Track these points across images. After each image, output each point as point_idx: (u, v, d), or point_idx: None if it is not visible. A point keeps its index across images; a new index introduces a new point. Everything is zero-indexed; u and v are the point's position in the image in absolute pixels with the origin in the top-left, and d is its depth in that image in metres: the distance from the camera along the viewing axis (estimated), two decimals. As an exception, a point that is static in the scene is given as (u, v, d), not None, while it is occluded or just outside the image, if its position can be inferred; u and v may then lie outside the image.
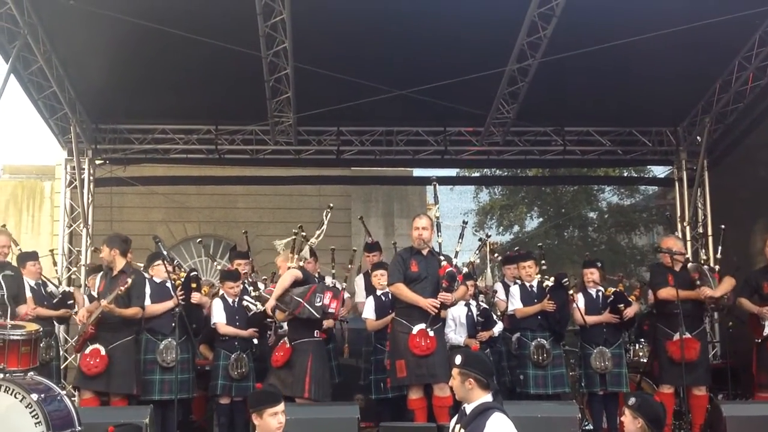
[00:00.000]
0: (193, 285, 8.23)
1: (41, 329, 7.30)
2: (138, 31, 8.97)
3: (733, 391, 9.37)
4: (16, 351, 6.72)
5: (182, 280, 8.30)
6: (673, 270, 8.49)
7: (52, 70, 10.10)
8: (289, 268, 7.91)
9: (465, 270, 8.53)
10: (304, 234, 8.41)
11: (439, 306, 7.37)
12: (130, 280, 7.68)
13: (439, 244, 7.81)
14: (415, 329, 7.35)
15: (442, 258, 7.58)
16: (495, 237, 22.22)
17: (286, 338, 7.84)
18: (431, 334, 7.32)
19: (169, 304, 7.98)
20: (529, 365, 8.40)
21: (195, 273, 8.44)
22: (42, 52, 9.67)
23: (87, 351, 7.70)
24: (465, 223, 9.24)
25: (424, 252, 7.64)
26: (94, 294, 8.23)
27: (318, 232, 8.43)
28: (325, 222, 8.49)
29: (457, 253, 8.49)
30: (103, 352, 7.65)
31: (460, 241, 8.72)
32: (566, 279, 8.55)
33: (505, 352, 8.84)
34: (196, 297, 8.27)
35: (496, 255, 9.62)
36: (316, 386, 7.71)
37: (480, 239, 10.41)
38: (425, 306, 7.34)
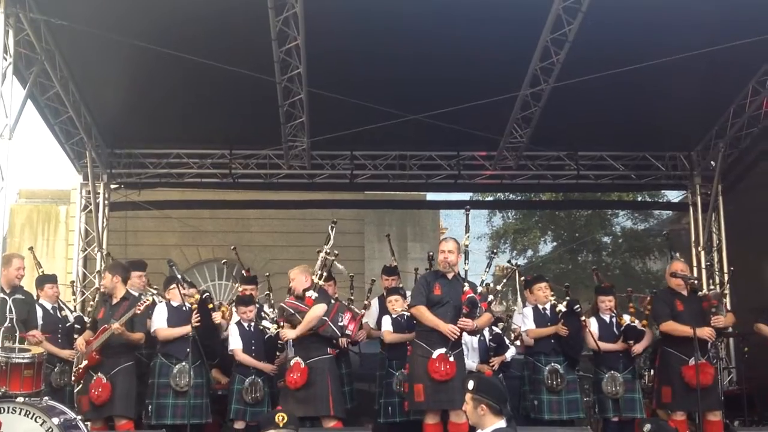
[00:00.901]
0: (210, 306, 8.19)
1: (45, 352, 7.35)
2: (153, 57, 9.05)
3: (750, 417, 9.27)
4: (19, 374, 6.77)
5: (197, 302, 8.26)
6: (681, 295, 8.35)
7: (69, 95, 10.20)
8: (315, 283, 7.94)
9: (491, 298, 8.47)
10: (331, 256, 8.49)
11: (459, 332, 7.32)
12: (151, 299, 7.88)
13: (466, 272, 7.76)
14: (435, 354, 7.26)
15: (466, 284, 7.48)
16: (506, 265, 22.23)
17: (298, 358, 7.70)
18: (451, 359, 7.23)
19: (184, 330, 7.95)
20: (543, 390, 8.34)
21: (207, 294, 8.41)
22: (59, 78, 9.77)
23: (92, 382, 7.70)
24: (495, 253, 9.19)
25: (449, 276, 7.56)
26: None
27: (326, 248, 8.55)
28: (332, 236, 8.60)
29: (483, 281, 8.43)
30: (104, 380, 7.67)
31: (487, 270, 8.66)
32: (578, 306, 8.50)
33: (527, 376, 8.77)
34: (218, 317, 8.26)
35: (522, 279, 9.56)
36: (337, 403, 7.78)
37: (508, 262, 10.40)
38: (445, 331, 7.25)
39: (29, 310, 8.18)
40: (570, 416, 8.31)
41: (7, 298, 7.87)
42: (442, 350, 7.25)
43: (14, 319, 7.72)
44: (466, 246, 7.79)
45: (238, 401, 8.07)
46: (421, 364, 7.34)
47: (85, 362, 7.78)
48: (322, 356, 7.77)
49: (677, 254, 10.37)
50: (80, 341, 7.99)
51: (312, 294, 7.85)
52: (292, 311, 7.85)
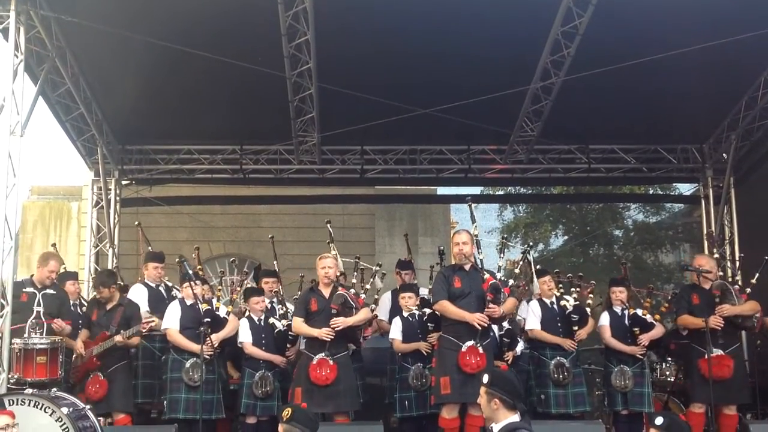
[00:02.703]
0: (207, 332, 7.89)
1: (61, 340, 7.50)
2: (163, 53, 9.07)
3: (762, 410, 9.24)
4: (32, 360, 6.86)
5: (208, 307, 8.14)
6: (700, 289, 8.48)
7: (80, 92, 10.22)
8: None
9: (511, 282, 8.46)
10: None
11: (487, 320, 7.30)
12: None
13: (481, 261, 7.76)
14: (465, 346, 7.25)
15: (485, 273, 7.47)
16: (519, 255, 22.17)
17: (326, 355, 7.57)
18: (481, 350, 7.24)
19: (194, 347, 7.94)
20: (550, 384, 8.35)
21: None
22: (70, 75, 9.78)
23: (89, 379, 7.96)
24: (505, 238, 9.17)
25: (467, 267, 7.55)
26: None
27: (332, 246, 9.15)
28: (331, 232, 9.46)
29: (500, 267, 8.41)
30: (101, 377, 7.95)
31: (502, 255, 8.66)
32: (575, 318, 8.48)
33: (532, 371, 8.76)
34: (234, 323, 8.29)
35: (538, 267, 9.54)
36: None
37: (523, 252, 10.45)
38: (471, 320, 7.24)
39: (61, 305, 8.28)
40: (576, 409, 8.32)
41: (36, 292, 8.05)
42: (471, 342, 7.24)
43: (41, 312, 7.83)
44: (476, 236, 7.78)
45: (249, 396, 8.09)
46: (449, 357, 7.32)
47: (84, 362, 8.03)
48: (345, 352, 7.80)
49: (714, 251, 10.39)
50: (79, 343, 8.21)
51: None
52: (353, 304, 7.78)
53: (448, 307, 7.40)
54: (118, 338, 7.92)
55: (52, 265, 8.28)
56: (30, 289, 8.05)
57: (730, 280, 9.48)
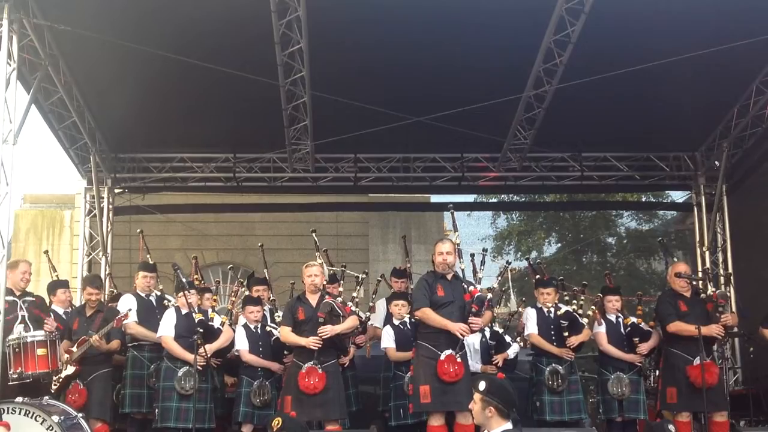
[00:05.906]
0: (199, 342, 7.76)
1: (56, 332, 7.63)
2: (157, 61, 9.07)
3: (756, 417, 9.26)
4: (33, 353, 6.94)
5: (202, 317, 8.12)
6: (684, 296, 8.36)
7: (73, 100, 10.22)
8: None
9: (489, 296, 8.47)
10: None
11: (469, 330, 7.29)
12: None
13: (462, 270, 7.75)
14: (443, 355, 7.23)
15: (465, 285, 7.47)
16: (513, 263, 22.19)
17: (314, 363, 7.52)
18: (459, 359, 7.24)
19: (187, 356, 7.84)
20: (545, 391, 8.32)
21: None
22: (62, 83, 9.77)
23: (69, 388, 7.90)
24: (485, 250, 9.19)
25: (449, 277, 7.54)
26: None
27: (318, 254, 9.22)
28: (317, 242, 9.47)
29: (480, 279, 8.42)
30: (81, 386, 7.90)
31: (482, 268, 8.68)
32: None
33: (533, 378, 8.72)
34: (228, 334, 8.25)
35: (537, 276, 9.56)
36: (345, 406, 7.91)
37: (507, 263, 10.47)
38: (454, 330, 7.22)
39: (43, 311, 8.25)
40: (572, 417, 8.27)
41: (17, 299, 8.01)
42: (449, 351, 7.24)
43: (26, 317, 7.84)
44: (458, 245, 7.79)
45: (246, 404, 8.05)
46: (427, 366, 7.29)
47: (66, 372, 7.92)
48: (334, 360, 7.77)
49: (675, 259, 10.37)
50: (60, 352, 8.06)
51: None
52: (340, 312, 7.77)
53: (430, 315, 7.34)
54: (93, 338, 7.82)
55: (22, 267, 8.29)
56: (10, 297, 7.92)
57: (717, 288, 9.49)
